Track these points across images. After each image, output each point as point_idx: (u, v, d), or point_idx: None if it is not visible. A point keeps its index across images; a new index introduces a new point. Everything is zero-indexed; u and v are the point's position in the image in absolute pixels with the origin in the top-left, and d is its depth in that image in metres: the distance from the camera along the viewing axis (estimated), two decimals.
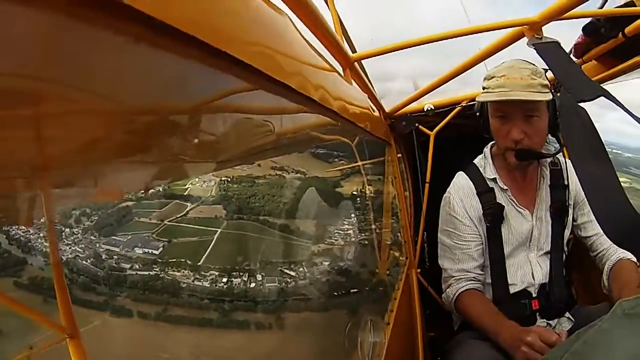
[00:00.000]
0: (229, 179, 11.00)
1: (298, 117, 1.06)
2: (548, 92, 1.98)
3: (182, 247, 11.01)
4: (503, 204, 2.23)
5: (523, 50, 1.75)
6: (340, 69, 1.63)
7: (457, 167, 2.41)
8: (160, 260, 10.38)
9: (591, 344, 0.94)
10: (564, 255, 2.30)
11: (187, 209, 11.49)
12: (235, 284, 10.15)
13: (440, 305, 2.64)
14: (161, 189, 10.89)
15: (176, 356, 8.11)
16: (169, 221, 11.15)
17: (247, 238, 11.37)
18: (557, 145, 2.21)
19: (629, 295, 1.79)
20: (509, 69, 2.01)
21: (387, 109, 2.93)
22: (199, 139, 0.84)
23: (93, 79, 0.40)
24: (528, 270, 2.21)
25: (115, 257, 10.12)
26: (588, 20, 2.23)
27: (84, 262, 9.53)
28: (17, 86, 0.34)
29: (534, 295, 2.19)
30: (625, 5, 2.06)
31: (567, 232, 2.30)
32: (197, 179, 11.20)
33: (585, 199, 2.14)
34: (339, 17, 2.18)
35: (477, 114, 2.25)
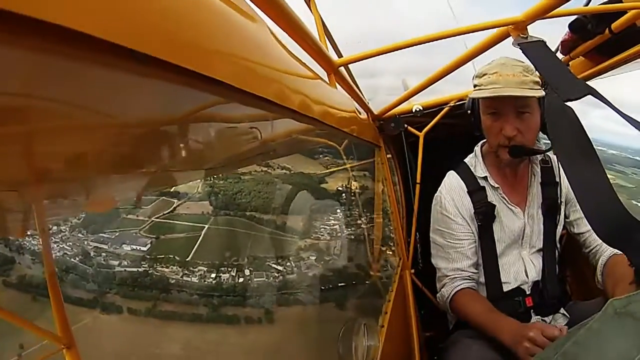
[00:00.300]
0: (215, 176, 11.02)
1: (282, 124, 1.05)
2: (540, 89, 1.98)
3: (170, 243, 11.06)
4: (494, 202, 2.23)
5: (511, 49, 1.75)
6: (324, 75, 1.62)
7: (447, 167, 2.41)
8: (148, 257, 10.42)
9: (582, 344, 0.93)
10: (557, 251, 2.30)
11: (174, 205, 11.50)
12: (224, 280, 10.21)
13: (435, 305, 2.63)
14: None
15: (167, 351, 8.13)
16: (156, 218, 11.16)
17: (234, 234, 11.42)
18: (548, 142, 2.21)
19: (622, 290, 1.80)
20: (501, 66, 2.01)
21: (375, 111, 2.92)
22: (185, 150, 0.84)
23: (85, 98, 0.43)
24: (521, 267, 2.21)
25: (104, 254, 10.13)
26: (573, 17, 2.23)
27: (72, 259, 9.52)
28: (10, 104, 0.37)
29: (527, 292, 2.19)
30: (611, 1, 2.05)
31: (559, 229, 2.30)
32: None
33: None
34: (322, 21, 2.17)
35: (469, 111, 2.25)
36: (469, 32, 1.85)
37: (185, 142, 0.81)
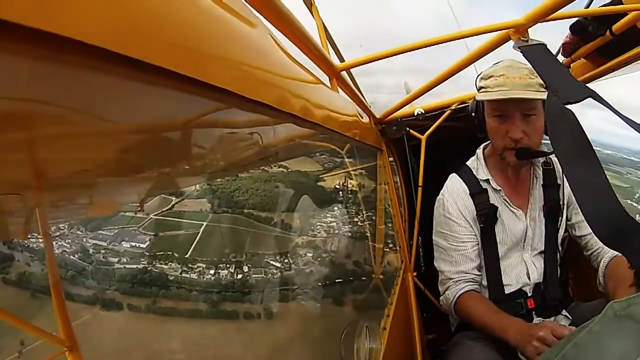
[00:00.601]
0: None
1: (285, 128, 1.06)
2: (545, 92, 1.97)
3: (168, 240, 11.10)
4: (496, 204, 2.23)
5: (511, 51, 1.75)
6: (326, 79, 1.63)
7: (449, 170, 2.41)
8: (147, 254, 10.46)
9: (582, 346, 0.93)
10: (559, 254, 2.29)
11: (172, 203, 11.54)
12: (223, 276, 10.25)
13: (437, 307, 2.63)
14: None
15: (167, 347, 8.15)
16: (155, 215, 11.20)
17: (232, 231, 11.46)
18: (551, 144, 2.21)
19: (624, 292, 1.80)
20: (508, 69, 2.01)
21: (377, 114, 2.92)
22: (189, 156, 0.84)
23: (89, 105, 0.43)
24: (523, 270, 2.21)
25: (103, 251, 10.17)
26: (574, 20, 2.23)
27: (71, 257, 9.56)
28: (15, 110, 0.37)
29: (529, 294, 2.19)
30: (612, 3, 2.06)
31: (561, 232, 2.30)
32: None
33: None
34: (324, 26, 2.18)
35: (473, 114, 2.25)
36: (470, 36, 1.86)
37: (189, 147, 0.81)
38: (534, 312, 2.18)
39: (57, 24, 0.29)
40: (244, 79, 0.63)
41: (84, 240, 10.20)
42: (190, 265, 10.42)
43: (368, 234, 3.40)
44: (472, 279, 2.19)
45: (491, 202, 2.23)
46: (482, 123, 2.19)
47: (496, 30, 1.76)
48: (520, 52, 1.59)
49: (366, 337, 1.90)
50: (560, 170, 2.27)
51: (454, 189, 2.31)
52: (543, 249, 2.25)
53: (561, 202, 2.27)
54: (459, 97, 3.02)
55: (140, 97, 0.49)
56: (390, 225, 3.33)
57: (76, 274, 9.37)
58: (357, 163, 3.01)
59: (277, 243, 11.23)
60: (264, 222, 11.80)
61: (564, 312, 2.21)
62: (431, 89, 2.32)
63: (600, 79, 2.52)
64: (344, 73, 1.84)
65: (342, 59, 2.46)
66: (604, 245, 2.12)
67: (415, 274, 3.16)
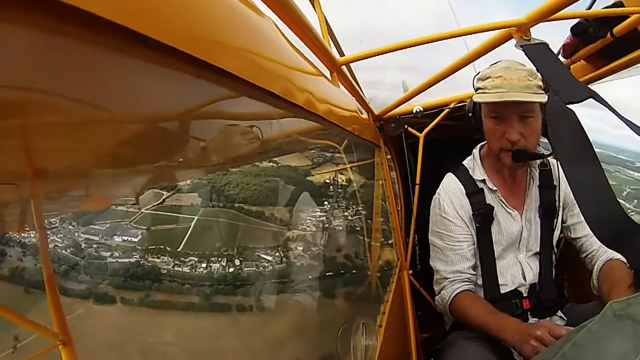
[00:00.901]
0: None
1: (285, 121, 1.05)
2: (544, 94, 1.96)
3: (160, 234, 11.12)
4: (493, 204, 2.22)
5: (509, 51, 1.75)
6: (327, 73, 1.62)
7: (447, 169, 2.40)
8: (139, 248, 10.48)
9: (581, 345, 0.93)
10: (554, 255, 2.30)
11: (164, 197, 11.56)
12: (215, 269, 10.31)
13: (432, 306, 2.63)
14: None
15: (161, 339, 8.17)
16: (146, 209, 11.21)
17: (223, 225, 11.49)
18: (549, 146, 2.21)
19: (618, 294, 1.80)
20: (506, 70, 2.00)
21: (376, 111, 2.92)
22: (188, 146, 0.83)
23: (83, 91, 0.42)
24: (518, 270, 2.22)
25: (95, 245, 10.18)
26: (576, 20, 2.23)
27: (63, 251, 9.56)
28: (8, 98, 0.36)
29: (524, 294, 2.19)
30: (614, 5, 2.06)
31: (556, 233, 2.30)
32: None
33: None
34: (326, 20, 2.17)
35: (470, 114, 2.24)
36: (471, 33, 1.86)
37: (193, 138, 0.81)
38: (529, 313, 2.18)
39: None
40: (250, 65, 0.63)
41: (76, 234, 10.19)
42: (182, 259, 10.44)
43: (364, 231, 3.40)
44: (468, 278, 2.19)
45: (487, 202, 2.23)
46: (479, 124, 2.18)
47: (498, 29, 1.76)
48: (522, 50, 1.59)
49: (363, 334, 1.90)
50: (557, 171, 2.27)
51: (450, 188, 2.30)
52: (538, 250, 2.25)
53: (557, 204, 2.26)
54: (458, 96, 3.02)
55: (144, 79, 0.49)
56: (386, 222, 3.33)
57: (69, 268, 9.37)
58: (354, 159, 3.00)
59: (272, 238, 11.25)
60: (256, 217, 11.82)
61: (559, 313, 2.22)
62: (430, 86, 2.32)
63: (599, 81, 2.52)
64: (344, 67, 1.83)
65: (342, 54, 2.46)
66: (598, 248, 2.14)
67: (410, 272, 3.17)
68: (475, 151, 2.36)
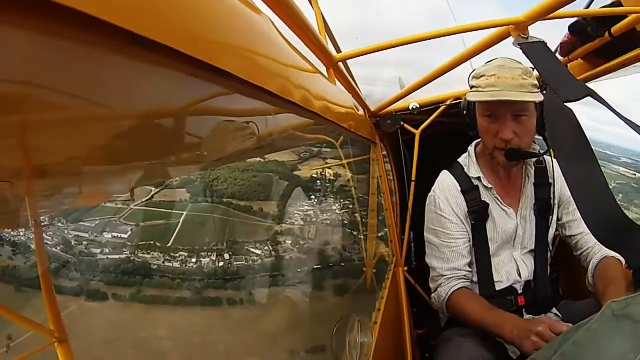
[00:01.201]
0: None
1: (281, 118, 1.04)
2: (538, 92, 1.96)
3: (150, 229, 11.14)
4: (488, 201, 2.22)
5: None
6: (323, 69, 1.62)
7: (442, 165, 2.40)
8: (129, 244, 10.49)
9: (580, 344, 0.93)
10: (549, 252, 2.30)
11: (152, 192, 11.56)
12: (205, 264, 10.34)
13: (427, 302, 2.63)
14: None
15: (154, 334, 8.20)
16: (135, 205, 11.23)
17: (215, 220, 11.52)
18: (544, 144, 2.21)
19: (613, 291, 1.81)
20: (500, 68, 1.98)
21: (372, 107, 2.92)
22: (183, 143, 0.83)
23: (78, 88, 0.41)
24: (513, 267, 2.22)
25: (85, 242, 10.17)
26: (574, 19, 2.23)
27: (53, 249, 9.54)
28: (2, 94, 0.35)
29: (519, 291, 2.19)
30: (612, 5, 2.05)
31: (551, 231, 2.30)
32: None
33: (570, 197, 2.15)
34: (322, 16, 2.16)
35: (464, 112, 2.24)
36: (469, 31, 1.85)
37: (187, 134, 0.80)
38: (524, 310, 2.18)
39: None
40: (246, 63, 0.62)
41: (66, 232, 10.18)
42: (172, 254, 10.46)
43: (359, 227, 3.40)
44: (464, 275, 2.19)
45: (482, 199, 2.23)
46: (473, 122, 2.18)
47: (495, 27, 1.75)
48: (520, 49, 1.59)
49: (358, 331, 1.90)
50: (552, 169, 2.27)
51: (445, 185, 2.30)
52: (533, 247, 2.25)
53: (552, 201, 2.26)
54: (454, 93, 3.01)
55: (139, 78, 0.48)
56: (381, 219, 3.33)
57: (59, 266, 9.36)
58: (350, 155, 3.00)
59: (267, 233, 11.26)
60: (245, 211, 11.85)
61: (554, 310, 2.22)
62: (427, 83, 2.31)
63: (596, 79, 2.52)
64: (340, 64, 1.83)
65: (339, 51, 2.45)
66: (593, 245, 2.14)
67: (405, 268, 3.17)
68: (471, 148, 2.35)
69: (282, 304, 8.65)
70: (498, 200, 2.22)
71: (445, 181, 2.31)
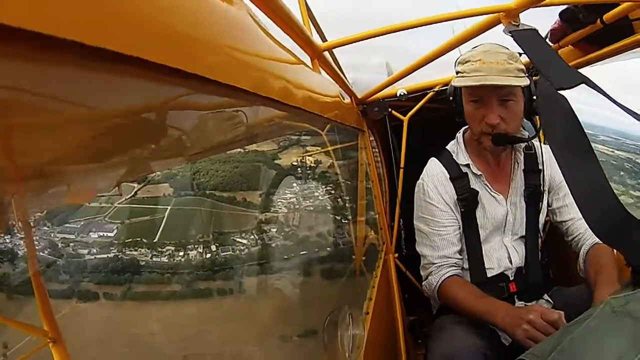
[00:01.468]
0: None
1: (263, 112, 1.01)
2: (525, 77, 1.96)
3: (135, 226, 11.19)
4: (477, 189, 2.22)
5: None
6: (308, 60, 1.59)
7: (431, 152, 2.39)
8: (116, 242, 10.52)
9: (579, 341, 0.92)
10: (540, 239, 2.31)
11: (135, 189, 11.58)
12: (193, 257, 10.41)
13: (419, 289, 2.63)
14: None
15: (147, 330, 8.24)
16: (118, 203, 11.23)
17: (200, 213, 11.58)
18: (533, 129, 2.20)
19: (604, 278, 1.81)
20: (485, 54, 1.98)
21: (359, 95, 2.89)
22: (165, 138, 0.81)
23: (59, 90, 0.40)
24: (504, 254, 2.23)
25: (72, 244, 10.17)
26: (565, 6, 2.21)
27: (40, 253, 9.51)
28: None
29: (511, 278, 2.20)
30: None
31: (542, 217, 2.31)
32: None
33: (561, 183, 2.15)
34: (306, 4, 2.13)
35: (451, 98, 2.22)
36: (458, 18, 1.83)
37: (164, 131, 0.78)
38: (515, 296, 2.20)
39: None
40: (222, 58, 0.59)
41: (52, 235, 10.15)
42: (159, 249, 10.50)
43: (349, 216, 3.39)
44: (455, 263, 2.19)
45: (472, 186, 2.22)
46: (460, 108, 2.17)
47: (486, 14, 1.72)
48: (511, 36, 1.57)
49: (349, 324, 1.88)
50: (542, 155, 2.26)
51: (433, 173, 2.29)
52: (524, 234, 2.26)
53: (542, 188, 2.26)
54: (442, 79, 3.00)
55: (111, 81, 0.45)
56: (371, 207, 3.32)
57: (48, 269, 9.35)
58: (337, 143, 2.98)
59: (253, 223, 11.29)
60: (229, 202, 11.89)
61: (546, 296, 2.23)
62: (415, 70, 2.29)
63: (587, 66, 2.51)
64: (326, 53, 1.80)
65: (324, 39, 2.41)
66: (584, 232, 2.15)
67: (396, 255, 3.17)
68: (459, 135, 2.34)
69: (272, 293, 8.70)
70: (488, 187, 2.22)
71: (434, 169, 2.30)
